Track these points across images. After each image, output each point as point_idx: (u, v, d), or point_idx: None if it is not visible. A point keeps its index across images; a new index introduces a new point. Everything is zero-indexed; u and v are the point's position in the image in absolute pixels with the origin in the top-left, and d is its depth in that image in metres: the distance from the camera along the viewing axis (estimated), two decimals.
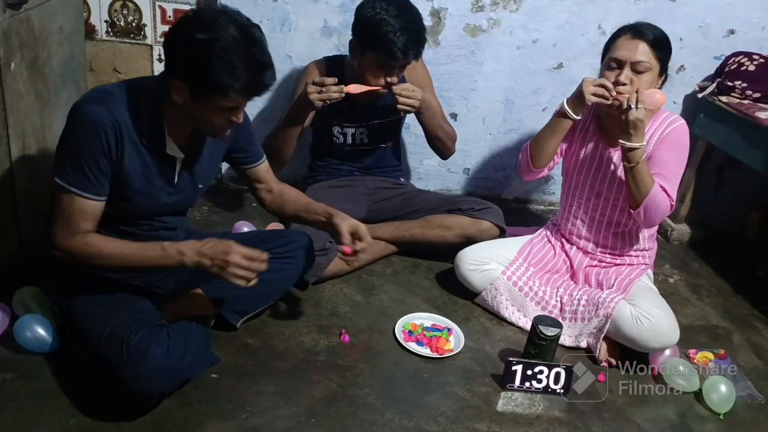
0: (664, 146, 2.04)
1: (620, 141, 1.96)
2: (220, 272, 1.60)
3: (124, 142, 1.55)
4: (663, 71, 2.02)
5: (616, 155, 2.11)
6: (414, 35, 2.16)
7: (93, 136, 1.51)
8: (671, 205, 2.01)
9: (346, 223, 1.83)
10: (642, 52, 1.96)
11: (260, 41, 1.52)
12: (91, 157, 1.52)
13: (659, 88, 2.03)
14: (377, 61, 2.21)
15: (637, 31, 1.98)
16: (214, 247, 1.60)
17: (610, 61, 2.01)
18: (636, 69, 1.97)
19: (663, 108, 2.06)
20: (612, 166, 2.12)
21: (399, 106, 2.26)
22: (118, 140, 1.53)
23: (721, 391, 1.91)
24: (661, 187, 1.98)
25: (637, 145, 1.93)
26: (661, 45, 1.99)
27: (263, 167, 1.95)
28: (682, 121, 2.08)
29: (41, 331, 1.77)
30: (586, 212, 2.21)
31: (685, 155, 2.08)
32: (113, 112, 1.52)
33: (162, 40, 2.53)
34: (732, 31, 2.85)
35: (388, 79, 2.24)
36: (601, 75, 2.05)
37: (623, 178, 2.05)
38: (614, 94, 1.94)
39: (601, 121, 2.16)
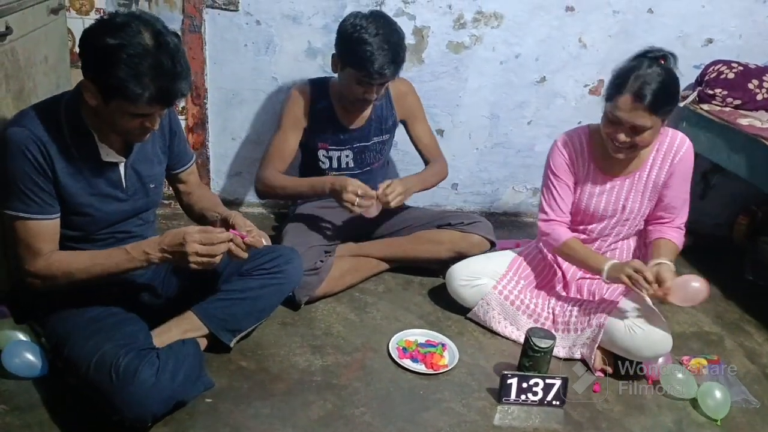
0: (678, 178, 2.09)
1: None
2: (182, 263, 1.58)
3: (52, 157, 1.54)
4: (666, 119, 1.99)
5: (617, 183, 2.12)
6: (391, 55, 2.19)
7: (18, 156, 1.51)
8: (685, 233, 2.14)
9: (240, 217, 1.79)
10: (641, 117, 1.90)
11: (173, 50, 1.47)
12: (26, 177, 1.53)
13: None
14: (356, 77, 2.25)
15: (638, 94, 1.88)
16: (171, 239, 1.58)
17: (612, 116, 1.95)
18: (635, 130, 1.93)
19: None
20: (615, 195, 2.13)
21: (392, 206, 2.29)
22: (44, 155, 1.53)
23: (717, 397, 1.92)
24: (677, 227, 2.12)
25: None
26: (660, 105, 1.90)
27: (191, 170, 1.96)
28: (687, 141, 2.10)
29: (30, 356, 1.75)
30: (584, 232, 2.20)
31: (692, 172, 2.13)
32: (31, 129, 1.52)
33: None
34: (710, 40, 2.89)
35: (366, 96, 2.28)
36: (604, 116, 1.99)
37: (624, 204, 2.12)
38: (650, 291, 1.92)
39: (599, 158, 2.13)
